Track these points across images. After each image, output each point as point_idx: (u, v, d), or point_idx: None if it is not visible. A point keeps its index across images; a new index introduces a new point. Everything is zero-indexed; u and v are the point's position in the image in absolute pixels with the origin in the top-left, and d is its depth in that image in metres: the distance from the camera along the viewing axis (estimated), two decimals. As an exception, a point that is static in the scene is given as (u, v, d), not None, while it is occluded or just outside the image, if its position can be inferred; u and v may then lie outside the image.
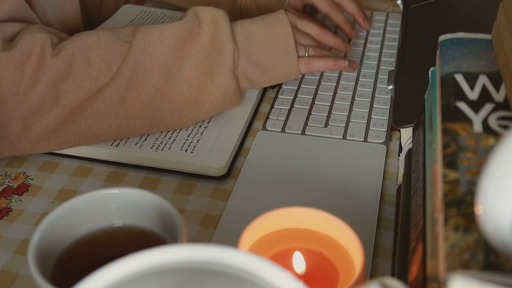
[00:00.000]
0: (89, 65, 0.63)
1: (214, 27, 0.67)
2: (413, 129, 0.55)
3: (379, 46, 0.88)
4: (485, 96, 0.42)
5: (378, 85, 0.79)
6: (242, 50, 0.68)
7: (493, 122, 0.40)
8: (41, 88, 0.62)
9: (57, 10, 0.79)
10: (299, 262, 0.45)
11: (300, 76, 0.80)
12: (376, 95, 0.77)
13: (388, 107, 0.75)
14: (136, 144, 0.67)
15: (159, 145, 0.67)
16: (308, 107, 0.75)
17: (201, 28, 0.66)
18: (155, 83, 0.65)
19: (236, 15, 0.88)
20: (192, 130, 0.69)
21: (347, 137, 0.70)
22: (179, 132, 0.69)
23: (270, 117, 0.74)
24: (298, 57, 0.72)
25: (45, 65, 0.62)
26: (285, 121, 0.73)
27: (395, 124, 0.63)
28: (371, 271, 0.54)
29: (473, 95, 0.42)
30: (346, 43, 0.81)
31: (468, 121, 0.40)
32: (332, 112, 0.74)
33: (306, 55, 0.73)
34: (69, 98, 0.63)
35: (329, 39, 0.78)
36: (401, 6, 0.88)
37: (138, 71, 0.64)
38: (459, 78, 0.44)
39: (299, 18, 0.75)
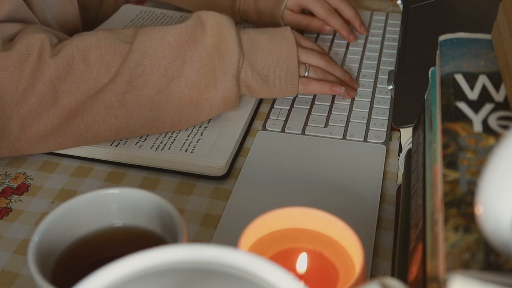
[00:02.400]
0: (88, 66, 0.63)
1: (218, 32, 0.67)
2: (413, 129, 0.55)
3: (379, 46, 0.88)
4: (485, 96, 0.42)
5: (378, 85, 0.79)
6: (247, 58, 0.68)
7: (493, 122, 0.40)
8: (40, 88, 0.62)
9: (55, 11, 0.79)
10: (300, 262, 0.45)
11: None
12: (376, 95, 0.77)
13: (388, 107, 0.75)
14: (136, 144, 0.67)
15: (159, 145, 0.67)
16: (308, 107, 0.75)
17: (204, 32, 0.66)
18: (155, 85, 0.65)
19: (236, 18, 0.89)
20: (192, 130, 0.69)
21: (347, 137, 0.70)
22: (179, 132, 0.69)
23: (270, 117, 0.74)
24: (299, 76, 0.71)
25: (44, 65, 0.62)
26: (285, 121, 0.73)
27: (395, 124, 0.63)
28: (371, 271, 0.54)
29: (473, 95, 0.42)
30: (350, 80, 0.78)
31: (468, 121, 0.40)
32: (332, 112, 0.74)
33: (306, 74, 0.72)
34: (68, 98, 0.63)
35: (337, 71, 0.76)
36: (401, 6, 0.88)
37: (138, 73, 0.64)
38: (459, 78, 0.44)
39: (301, 37, 0.75)
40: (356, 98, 0.77)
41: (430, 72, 0.50)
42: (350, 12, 0.87)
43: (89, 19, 0.93)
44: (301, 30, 0.90)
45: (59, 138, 0.64)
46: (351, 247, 0.44)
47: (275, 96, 0.73)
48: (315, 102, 0.76)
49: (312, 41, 0.76)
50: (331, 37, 0.91)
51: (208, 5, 0.89)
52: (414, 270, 0.41)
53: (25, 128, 0.62)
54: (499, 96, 0.42)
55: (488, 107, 0.41)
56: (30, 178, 0.65)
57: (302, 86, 0.72)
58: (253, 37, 0.69)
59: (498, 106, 0.41)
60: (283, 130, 0.72)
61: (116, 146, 0.66)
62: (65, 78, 0.62)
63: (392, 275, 0.52)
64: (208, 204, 0.62)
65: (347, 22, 0.89)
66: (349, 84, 0.77)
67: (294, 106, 0.76)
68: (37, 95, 0.62)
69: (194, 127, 0.70)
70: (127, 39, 0.65)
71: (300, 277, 0.45)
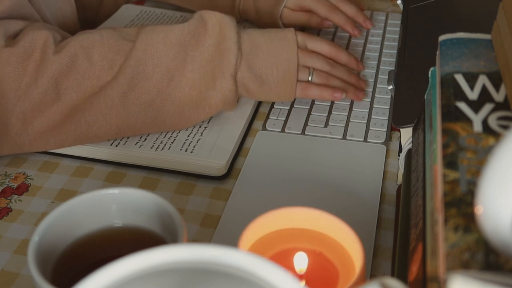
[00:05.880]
0: (91, 63, 0.63)
1: (219, 32, 0.66)
2: (413, 129, 0.55)
3: (379, 46, 0.88)
4: (485, 96, 0.42)
5: (378, 85, 0.79)
6: (245, 58, 0.67)
7: (493, 122, 0.40)
8: (43, 84, 0.62)
9: (54, 11, 0.79)
10: (300, 262, 0.45)
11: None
12: (376, 95, 0.77)
13: (388, 107, 0.75)
14: (136, 144, 0.67)
15: (159, 145, 0.67)
16: (308, 107, 0.75)
17: (206, 32, 0.66)
18: (157, 84, 0.65)
19: (235, 17, 0.88)
20: (192, 130, 0.69)
21: (347, 137, 0.70)
22: (179, 132, 0.69)
23: (270, 117, 0.74)
24: (298, 80, 0.70)
25: (47, 62, 0.62)
26: (285, 121, 0.73)
27: (395, 124, 0.63)
28: (371, 271, 0.54)
29: (473, 95, 0.42)
30: (359, 61, 0.77)
31: (468, 121, 0.40)
32: (332, 112, 0.74)
33: (310, 78, 0.70)
34: (70, 95, 0.63)
35: (342, 57, 0.75)
36: (401, 6, 0.88)
37: (140, 71, 0.64)
38: (459, 78, 0.44)
39: (309, 37, 0.72)
40: (356, 98, 0.77)
41: (430, 72, 0.50)
42: (351, 10, 0.86)
43: (89, 19, 0.93)
44: (302, 28, 0.90)
45: (60, 135, 0.64)
46: (351, 247, 0.44)
47: (272, 100, 0.72)
48: (315, 102, 0.76)
49: (321, 41, 0.73)
50: (331, 37, 0.91)
51: (208, 4, 0.89)
52: (414, 270, 0.41)
53: (26, 123, 0.63)
54: (499, 96, 0.42)
55: (488, 107, 0.41)
56: (30, 178, 0.65)
57: (301, 91, 0.70)
58: (254, 37, 0.68)
59: (498, 106, 0.41)
60: (283, 130, 0.72)
61: (116, 146, 0.67)
62: (67, 75, 0.63)
63: (392, 275, 0.52)
64: (208, 204, 0.62)
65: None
66: (356, 85, 0.75)
67: (294, 106, 0.76)
68: (40, 91, 0.62)
69: (194, 127, 0.70)
70: (130, 37, 0.65)
71: (300, 277, 0.45)
